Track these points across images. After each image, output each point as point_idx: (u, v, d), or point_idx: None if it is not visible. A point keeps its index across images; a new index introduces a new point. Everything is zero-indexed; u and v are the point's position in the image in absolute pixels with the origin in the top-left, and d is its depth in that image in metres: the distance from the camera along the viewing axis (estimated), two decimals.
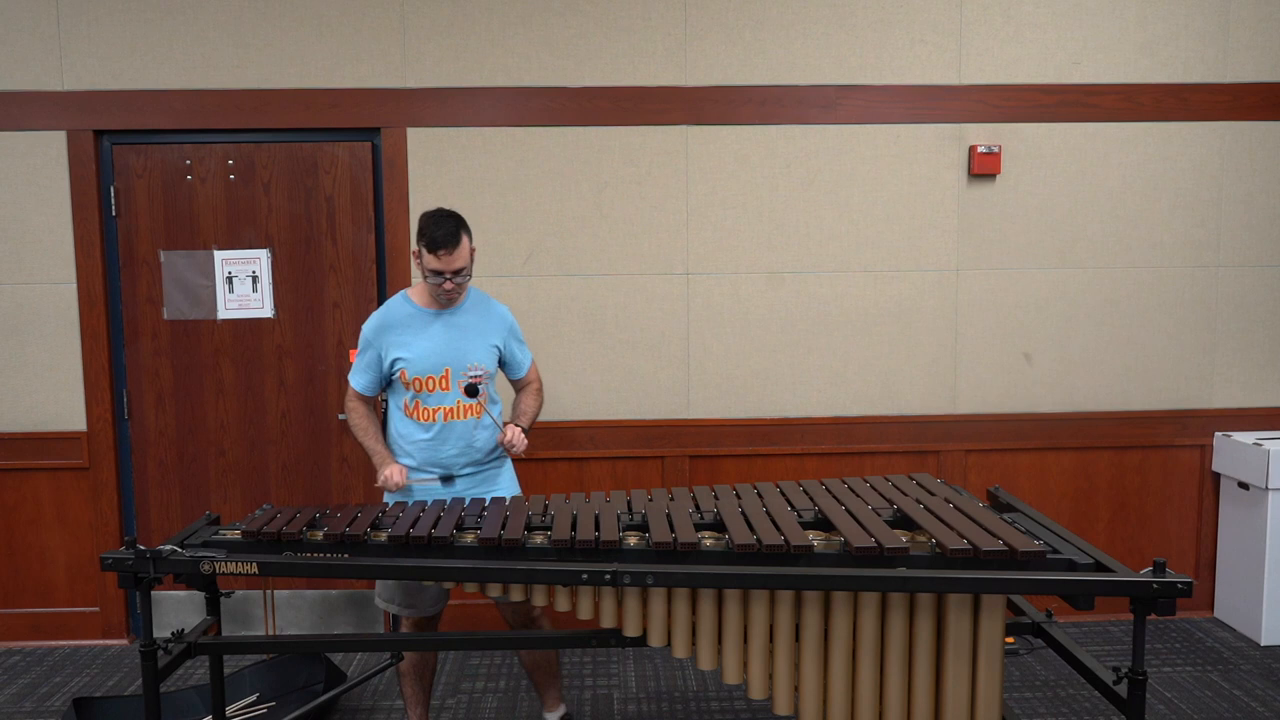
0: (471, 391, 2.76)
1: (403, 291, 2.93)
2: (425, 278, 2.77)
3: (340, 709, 3.37)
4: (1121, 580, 2.13)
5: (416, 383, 2.81)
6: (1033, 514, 2.60)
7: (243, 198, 3.82)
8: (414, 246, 2.80)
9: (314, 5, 3.73)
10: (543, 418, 3.87)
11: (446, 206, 3.77)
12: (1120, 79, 3.87)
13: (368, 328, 2.87)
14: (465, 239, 2.74)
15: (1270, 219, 3.97)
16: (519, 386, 3.08)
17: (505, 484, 2.98)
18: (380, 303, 3.85)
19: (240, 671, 3.35)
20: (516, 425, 2.90)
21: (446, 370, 2.81)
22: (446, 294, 2.79)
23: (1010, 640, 3.55)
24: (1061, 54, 3.85)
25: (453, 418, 2.83)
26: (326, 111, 3.75)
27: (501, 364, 2.98)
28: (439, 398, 2.81)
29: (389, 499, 2.90)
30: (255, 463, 3.92)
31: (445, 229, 2.70)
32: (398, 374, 2.83)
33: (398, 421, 2.90)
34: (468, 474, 2.90)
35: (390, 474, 2.77)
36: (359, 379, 2.90)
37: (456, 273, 2.74)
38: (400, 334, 2.83)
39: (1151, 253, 3.95)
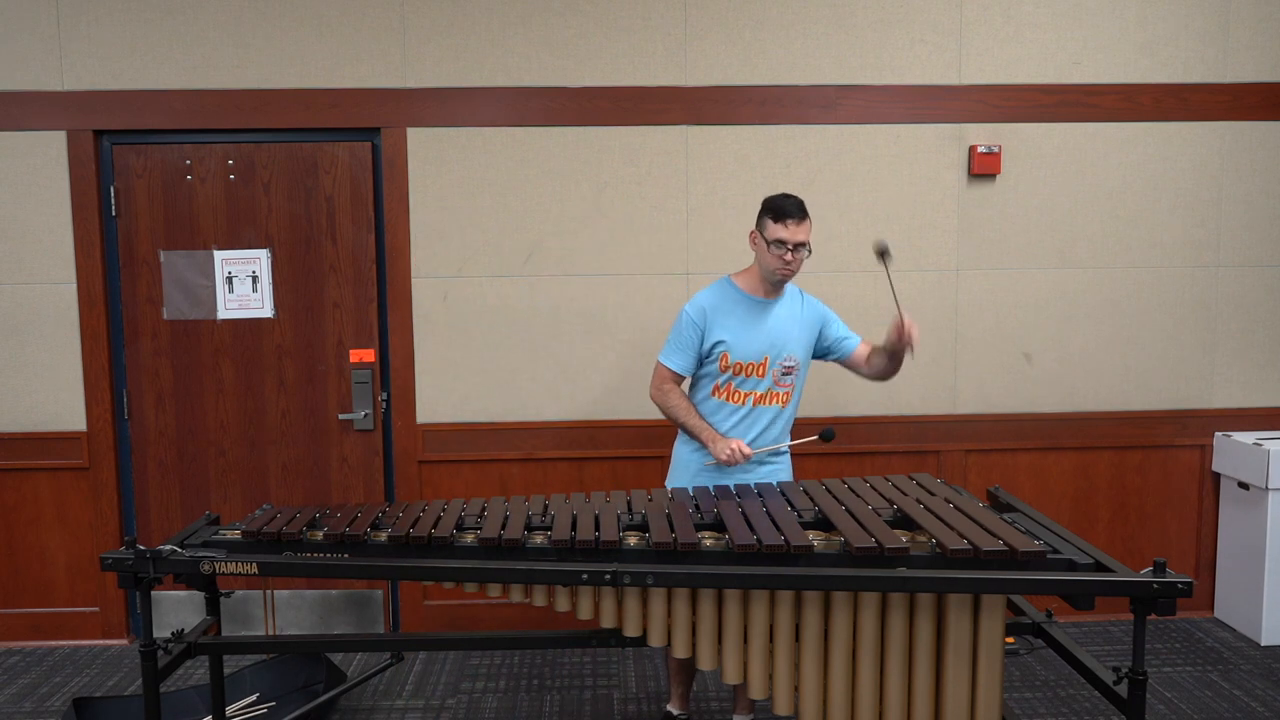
0: (828, 436, 2.88)
1: (726, 276, 2.98)
2: (769, 249, 2.81)
3: (340, 709, 3.37)
4: (1121, 580, 2.13)
5: (737, 366, 2.87)
6: (1033, 514, 2.60)
7: (243, 198, 3.82)
8: (753, 229, 2.89)
9: (314, 5, 3.73)
10: (541, 417, 3.89)
11: (446, 206, 3.80)
12: (1120, 79, 3.87)
13: (691, 307, 2.92)
14: (809, 220, 2.82)
15: (1270, 219, 3.97)
16: (862, 366, 2.97)
17: (784, 471, 3.02)
18: (379, 302, 3.86)
19: (240, 671, 3.35)
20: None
21: (765, 358, 2.88)
22: (785, 265, 2.81)
23: (1010, 640, 3.55)
24: (1061, 54, 3.85)
25: (761, 403, 2.90)
26: (326, 111, 3.75)
27: (826, 354, 3.00)
28: (754, 383, 2.88)
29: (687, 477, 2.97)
30: (255, 463, 3.92)
31: (794, 201, 2.80)
32: (718, 356, 2.87)
33: (700, 404, 2.95)
34: (760, 464, 2.95)
35: (737, 447, 2.79)
36: (676, 359, 2.93)
37: (799, 245, 2.79)
38: (726, 317, 2.88)
39: (1151, 253, 3.95)
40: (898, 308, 2.76)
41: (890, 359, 2.88)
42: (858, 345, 3.00)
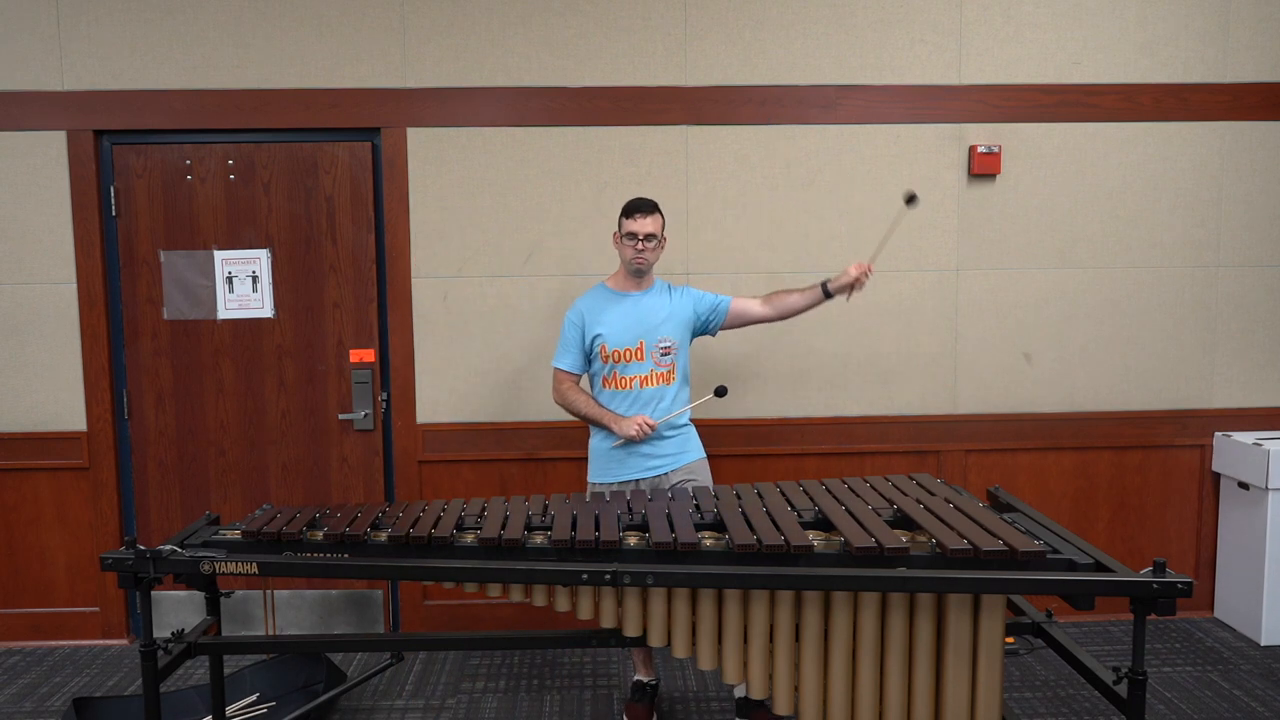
0: (721, 393, 3.11)
1: (601, 282, 3.27)
2: (623, 242, 3.12)
3: (340, 709, 3.37)
4: (1121, 580, 2.13)
5: (615, 354, 3.12)
6: (1033, 514, 2.60)
7: (243, 198, 3.82)
8: (616, 231, 3.18)
9: (314, 5, 3.73)
10: (541, 417, 3.89)
11: (446, 206, 3.80)
12: (1120, 79, 3.87)
13: (571, 310, 3.21)
14: (659, 215, 3.12)
15: (1270, 219, 3.97)
16: (756, 309, 3.25)
17: (694, 445, 3.21)
18: (379, 302, 3.87)
19: (240, 671, 3.35)
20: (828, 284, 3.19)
21: (640, 342, 3.12)
22: (637, 254, 3.10)
23: (1010, 640, 3.55)
24: (1061, 54, 3.85)
25: (647, 384, 3.13)
26: (326, 111, 3.75)
27: (709, 326, 3.25)
28: (635, 367, 3.12)
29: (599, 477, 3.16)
30: (255, 463, 3.92)
31: (643, 200, 3.13)
32: (598, 349, 3.13)
33: (595, 398, 3.20)
34: (665, 436, 3.13)
35: (641, 421, 3.00)
36: (566, 359, 3.20)
37: (648, 237, 3.08)
38: (600, 313, 3.16)
39: (1151, 253, 3.95)
40: (876, 254, 3.22)
41: (809, 300, 3.20)
42: (732, 301, 3.25)
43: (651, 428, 3.00)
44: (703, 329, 3.25)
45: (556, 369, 3.22)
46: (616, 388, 3.13)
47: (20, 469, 3.87)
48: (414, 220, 3.81)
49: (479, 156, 3.80)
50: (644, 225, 3.07)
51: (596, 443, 3.19)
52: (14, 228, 3.77)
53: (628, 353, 3.11)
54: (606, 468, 3.14)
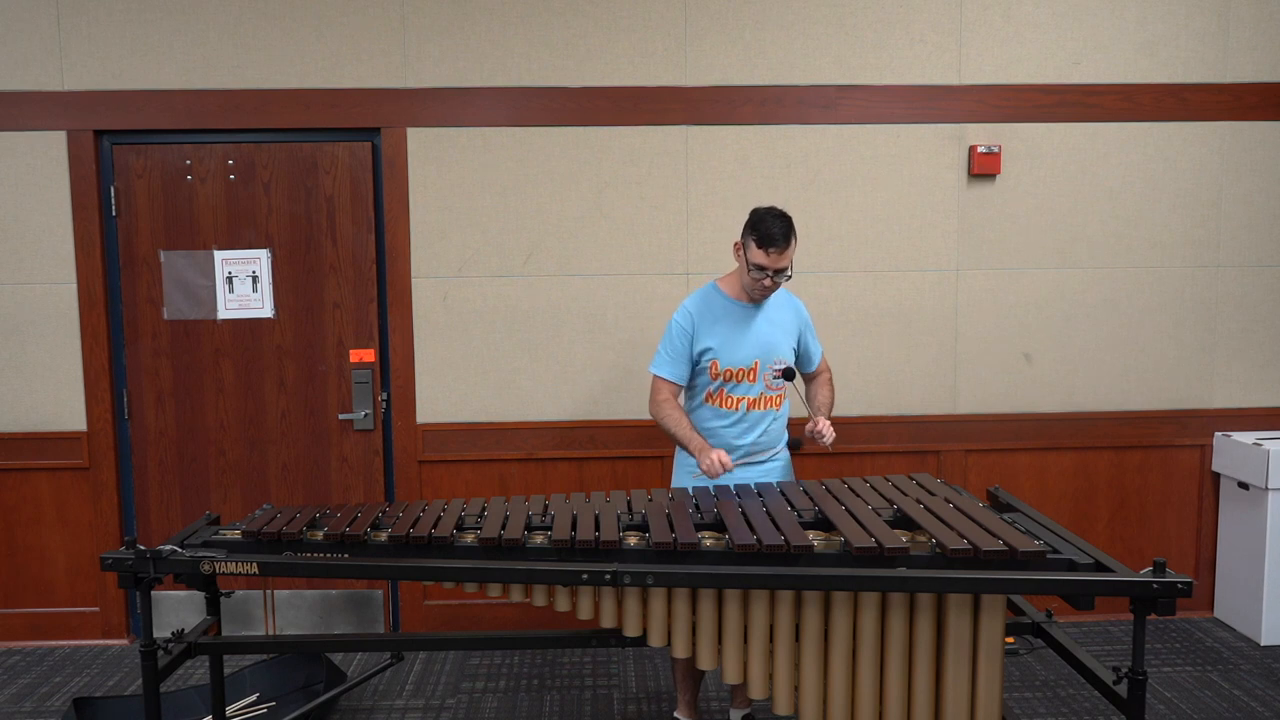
0: (789, 375, 2.85)
1: (712, 282, 2.98)
2: (748, 271, 2.80)
3: (340, 709, 3.37)
4: (1121, 580, 2.13)
5: (727, 373, 2.88)
6: (1033, 514, 2.60)
7: (243, 198, 3.83)
8: (738, 239, 2.87)
9: (314, 5, 3.73)
10: (542, 417, 3.89)
11: (446, 206, 3.80)
12: (1120, 79, 3.87)
13: (679, 315, 2.91)
14: (794, 241, 2.79)
15: (1270, 219, 3.97)
16: (810, 378, 3.13)
17: (782, 473, 3.03)
18: (379, 302, 3.86)
19: (240, 671, 3.35)
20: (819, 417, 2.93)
21: (756, 362, 2.88)
22: (764, 290, 2.83)
23: (1010, 640, 3.55)
24: (1061, 54, 3.85)
25: (754, 408, 2.90)
26: (326, 111, 3.75)
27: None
28: (745, 388, 2.89)
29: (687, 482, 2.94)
30: (255, 463, 3.92)
31: (780, 228, 2.74)
32: (707, 364, 2.88)
33: (694, 412, 2.97)
34: (754, 463, 2.95)
35: (717, 457, 2.76)
36: (669, 369, 2.92)
37: (779, 271, 2.79)
38: (714, 324, 2.89)
39: (1151, 253, 3.96)
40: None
41: (809, 406, 3.06)
42: (818, 363, 3.11)
43: (725, 468, 2.75)
44: None
45: (656, 377, 2.93)
46: (722, 406, 2.90)
47: (20, 469, 3.87)
48: (414, 220, 3.81)
49: (479, 156, 3.80)
50: (779, 261, 2.75)
51: (680, 459, 3.00)
52: (14, 228, 3.77)
53: (740, 372, 2.87)
54: (688, 483, 2.93)
